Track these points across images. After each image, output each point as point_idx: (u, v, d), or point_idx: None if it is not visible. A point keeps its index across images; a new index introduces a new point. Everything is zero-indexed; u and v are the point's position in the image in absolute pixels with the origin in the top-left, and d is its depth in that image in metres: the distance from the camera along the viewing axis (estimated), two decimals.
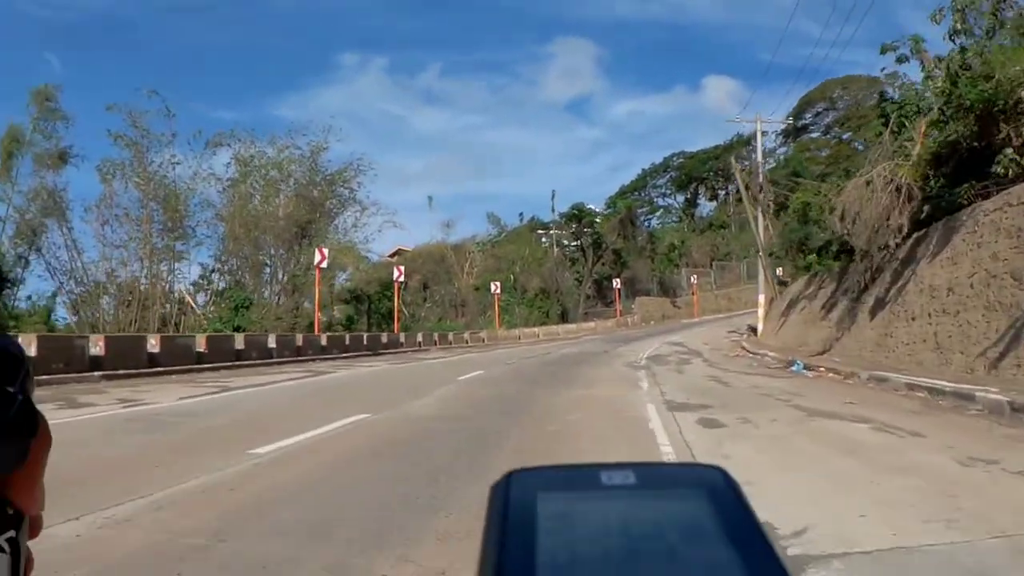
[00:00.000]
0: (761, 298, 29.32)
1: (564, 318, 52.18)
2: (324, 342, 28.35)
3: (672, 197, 76.41)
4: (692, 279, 53.43)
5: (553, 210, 59.98)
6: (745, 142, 69.56)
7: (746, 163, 73.03)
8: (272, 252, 39.25)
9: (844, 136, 59.43)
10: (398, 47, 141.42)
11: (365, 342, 32.23)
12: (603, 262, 55.37)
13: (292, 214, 39.00)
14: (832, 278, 21.12)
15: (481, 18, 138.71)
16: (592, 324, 49.93)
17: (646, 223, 62.53)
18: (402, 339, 36.50)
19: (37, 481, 0.49)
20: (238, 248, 37.72)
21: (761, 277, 29.68)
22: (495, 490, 0.41)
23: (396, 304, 40.48)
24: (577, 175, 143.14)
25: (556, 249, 57.77)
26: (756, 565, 0.37)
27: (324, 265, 32.55)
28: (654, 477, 0.43)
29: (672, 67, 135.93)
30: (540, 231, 61.96)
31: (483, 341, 43.21)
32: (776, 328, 26.27)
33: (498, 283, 47.25)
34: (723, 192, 74.10)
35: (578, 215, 54.55)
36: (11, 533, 0.47)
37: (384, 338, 34.87)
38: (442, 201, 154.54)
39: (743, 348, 26.34)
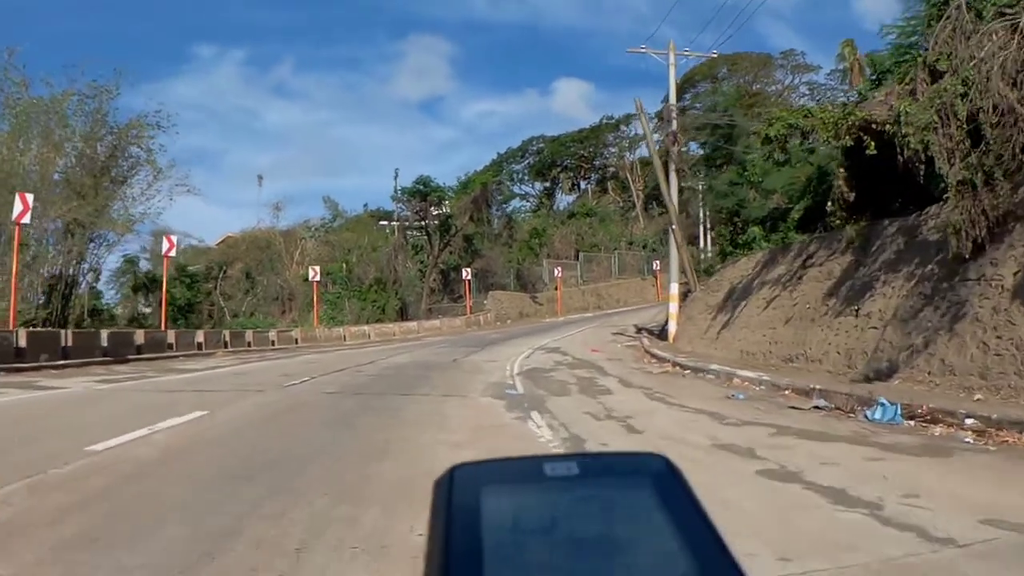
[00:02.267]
0: (674, 288, 21.12)
1: (404, 315, 42.53)
2: (23, 342, 17.78)
3: (530, 184, 68.45)
4: (557, 271, 45.14)
5: (396, 189, 50.26)
6: (614, 126, 63.03)
7: (614, 150, 66.82)
8: (46, 226, 28.62)
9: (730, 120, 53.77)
10: (254, 40, 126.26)
11: (105, 343, 21.21)
12: (451, 249, 46.09)
13: (69, 176, 28.96)
14: (835, 251, 12.99)
15: (336, 13, 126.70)
16: (437, 323, 40.69)
17: (500, 210, 54.03)
18: (171, 339, 25.42)
19: None
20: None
21: (674, 259, 21.47)
22: (438, 486, 0.39)
23: (163, 292, 28.86)
24: (429, 173, 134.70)
25: (397, 233, 47.91)
26: (702, 552, 0.35)
27: (26, 220, 21.07)
28: (597, 466, 0.41)
29: (525, 69, 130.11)
30: (383, 220, 52.63)
31: (295, 343, 32.93)
32: (710, 330, 18.00)
33: (317, 268, 36.83)
34: (585, 182, 67.30)
35: (423, 191, 44.86)
36: None
37: (140, 338, 23.70)
38: (288, 195, 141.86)
39: (655, 358, 18.03)
